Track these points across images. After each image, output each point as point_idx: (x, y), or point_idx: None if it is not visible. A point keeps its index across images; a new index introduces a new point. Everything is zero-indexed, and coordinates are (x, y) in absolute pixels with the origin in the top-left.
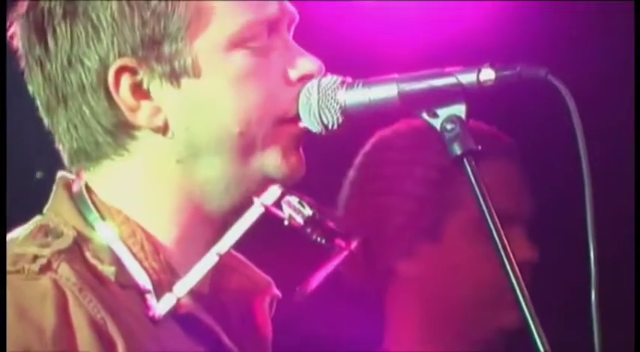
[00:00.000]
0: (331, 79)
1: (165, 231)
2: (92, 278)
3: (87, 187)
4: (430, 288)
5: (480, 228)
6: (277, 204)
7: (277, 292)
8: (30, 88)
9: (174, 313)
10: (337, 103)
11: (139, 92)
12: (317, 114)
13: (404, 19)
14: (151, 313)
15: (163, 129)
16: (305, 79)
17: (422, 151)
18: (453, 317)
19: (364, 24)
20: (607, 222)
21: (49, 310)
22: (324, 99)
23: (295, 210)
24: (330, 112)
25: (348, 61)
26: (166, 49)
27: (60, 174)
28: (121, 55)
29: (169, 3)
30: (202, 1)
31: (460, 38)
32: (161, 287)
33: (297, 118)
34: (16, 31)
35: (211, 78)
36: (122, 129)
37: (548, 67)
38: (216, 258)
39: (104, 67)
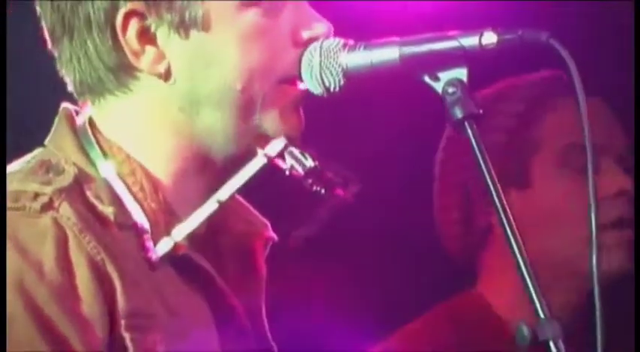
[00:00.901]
0: (333, 42)
1: (166, 172)
2: (92, 218)
3: (90, 122)
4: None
5: (565, 163)
6: (280, 154)
7: (273, 234)
8: (37, 10)
9: (170, 255)
10: (339, 65)
11: (145, 37)
12: (319, 76)
13: None
14: (148, 255)
15: (165, 76)
16: (314, 40)
17: (500, 102)
18: (547, 265)
19: None
20: None
21: (49, 248)
22: (326, 62)
23: (297, 161)
24: (331, 74)
25: (350, 24)
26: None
27: (63, 105)
28: None
29: None
30: None
31: (463, 3)
32: (158, 228)
33: (298, 79)
34: None
35: (220, 33)
36: (124, 70)
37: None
38: (216, 205)
39: (114, 7)
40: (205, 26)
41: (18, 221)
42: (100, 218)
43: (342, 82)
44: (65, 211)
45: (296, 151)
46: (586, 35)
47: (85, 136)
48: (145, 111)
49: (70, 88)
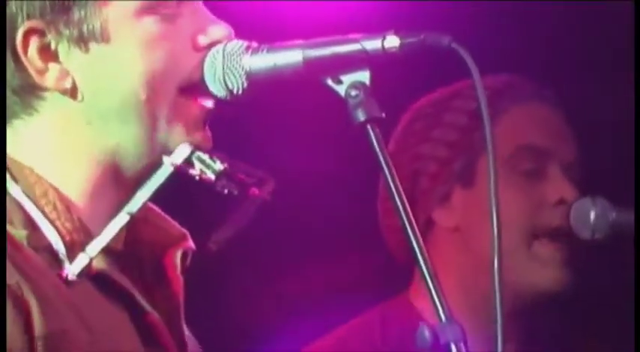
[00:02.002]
0: (236, 44)
1: (78, 191)
2: (7, 242)
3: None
4: (466, 238)
5: (508, 170)
6: (188, 160)
7: (192, 244)
8: None
9: (87, 273)
10: (242, 68)
11: (47, 54)
12: (222, 79)
13: None
14: (64, 274)
15: (71, 92)
16: (215, 44)
17: (451, 99)
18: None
19: None
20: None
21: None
22: (229, 64)
23: (206, 166)
24: (234, 77)
25: (254, 27)
26: (75, 13)
27: None
28: (29, 17)
29: None
30: None
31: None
32: (74, 248)
33: (201, 84)
34: None
35: (120, 43)
36: (29, 90)
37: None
38: (127, 217)
39: (13, 27)
40: (104, 38)
41: None
42: (14, 241)
43: (245, 85)
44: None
45: (204, 156)
46: (586, 35)
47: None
48: (53, 130)
49: None
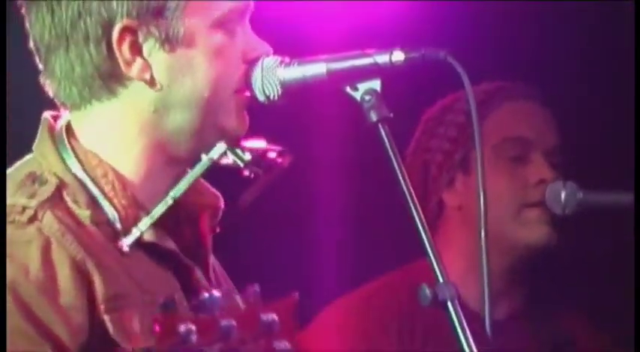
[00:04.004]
0: (272, 59)
1: (135, 171)
2: (72, 221)
3: (67, 129)
4: (467, 215)
5: (498, 156)
6: (222, 155)
7: (222, 204)
8: (31, 27)
9: (140, 243)
10: (277, 78)
11: (136, 49)
12: (261, 87)
13: (334, 10)
14: (119, 245)
15: (150, 83)
16: (258, 58)
17: (453, 103)
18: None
19: (303, 15)
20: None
21: (34, 253)
22: (266, 75)
23: (238, 157)
24: (271, 86)
25: (286, 45)
26: (165, 19)
27: (45, 114)
28: (127, 16)
29: None
30: None
31: (381, 25)
32: (128, 221)
33: (247, 89)
34: None
35: (195, 49)
36: (115, 77)
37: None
38: (171, 201)
39: (111, 23)
40: (184, 43)
41: (10, 232)
42: (79, 220)
43: (279, 92)
44: (48, 220)
45: (236, 150)
46: (585, 35)
47: (62, 144)
48: (123, 114)
49: (55, 94)
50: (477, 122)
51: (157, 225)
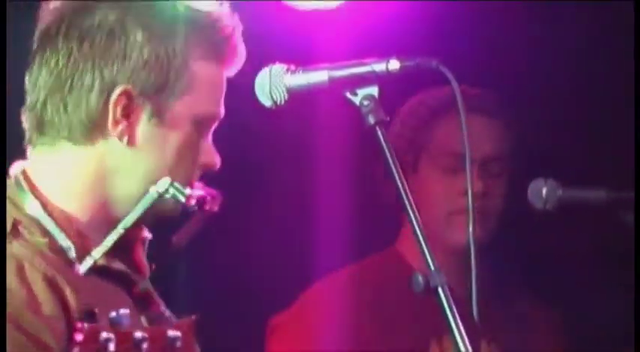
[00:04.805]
0: (280, 67)
1: (83, 211)
2: (34, 249)
3: (24, 174)
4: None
5: (435, 166)
6: (167, 189)
7: (148, 235)
8: (40, 57)
9: (94, 269)
10: (283, 85)
11: (126, 113)
12: (268, 93)
13: (336, 21)
14: (75, 270)
15: (127, 144)
16: (207, 166)
17: (409, 105)
18: (430, 223)
19: (308, 27)
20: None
21: (11, 275)
22: (274, 82)
23: (178, 191)
24: (278, 91)
25: (293, 54)
26: (160, 99)
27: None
28: (131, 83)
29: (178, 74)
30: (196, 81)
31: (379, 35)
32: (82, 250)
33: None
34: (55, 11)
35: (172, 132)
36: (99, 129)
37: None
38: (122, 231)
39: (114, 83)
40: (166, 123)
41: None
42: (39, 248)
43: (285, 97)
44: (16, 247)
45: (177, 185)
46: (586, 35)
47: (18, 184)
48: (88, 162)
49: (32, 123)
50: (465, 125)
51: (107, 252)
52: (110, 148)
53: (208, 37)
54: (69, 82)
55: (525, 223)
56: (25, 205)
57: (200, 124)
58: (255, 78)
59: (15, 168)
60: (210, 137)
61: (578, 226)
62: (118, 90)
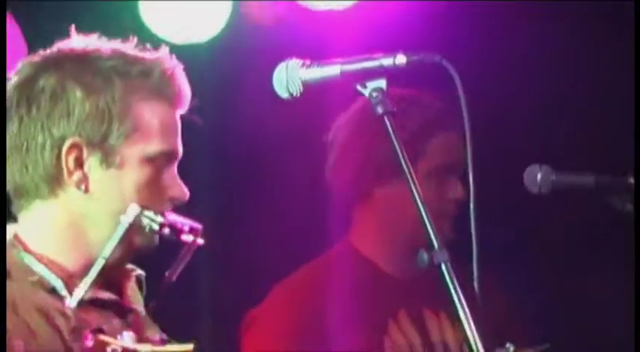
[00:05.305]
0: (295, 61)
1: (69, 257)
2: (26, 287)
3: (15, 236)
4: (393, 208)
5: (429, 177)
6: (138, 217)
7: (141, 273)
8: (6, 131)
9: (84, 302)
10: (299, 78)
11: (79, 163)
12: (285, 85)
13: (347, 20)
14: (66, 304)
15: (84, 191)
16: (174, 200)
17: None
18: (404, 229)
19: (322, 25)
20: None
21: (7, 310)
22: (290, 75)
23: (151, 220)
24: (294, 84)
25: (308, 51)
26: (108, 145)
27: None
28: (78, 135)
29: (120, 120)
30: (141, 123)
31: (387, 32)
32: (72, 286)
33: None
34: (10, 89)
35: (125, 173)
36: (58, 182)
37: None
38: (102, 261)
39: (63, 137)
40: (118, 167)
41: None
42: (33, 288)
43: (301, 89)
44: (8, 288)
45: (148, 213)
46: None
47: (12, 245)
48: (58, 213)
49: (12, 188)
50: (468, 124)
51: (94, 285)
52: (72, 198)
53: (146, 82)
54: (24, 144)
55: (521, 207)
56: (19, 259)
57: (154, 162)
58: (272, 72)
59: (9, 232)
60: (174, 171)
61: (571, 209)
62: (67, 144)
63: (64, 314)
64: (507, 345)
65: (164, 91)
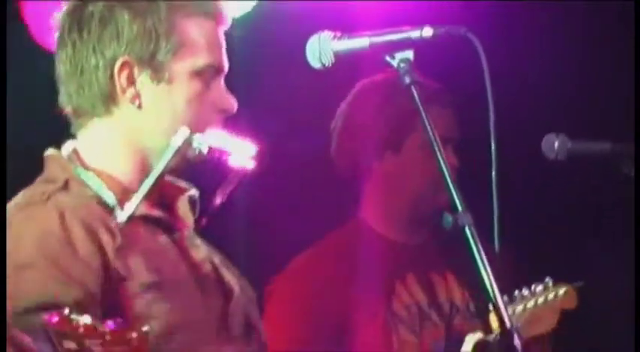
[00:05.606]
0: (328, 34)
1: (124, 171)
2: (80, 201)
3: (74, 152)
4: (392, 181)
5: (424, 149)
6: (189, 140)
7: (194, 192)
8: (57, 57)
9: (136, 218)
10: (331, 49)
11: (130, 80)
12: (318, 56)
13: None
14: (117, 220)
15: (138, 107)
16: (224, 112)
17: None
18: (405, 199)
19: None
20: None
21: (54, 219)
22: (322, 47)
23: (200, 143)
24: (326, 55)
25: (340, 25)
26: (157, 61)
27: (48, 153)
28: (128, 54)
29: (167, 38)
30: (187, 39)
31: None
32: (123, 202)
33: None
34: (61, 16)
35: (174, 88)
36: (112, 99)
37: None
38: (154, 177)
39: (115, 57)
40: (168, 81)
41: (36, 210)
42: (86, 201)
43: (333, 60)
44: (61, 198)
45: (198, 136)
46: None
47: (70, 159)
48: (114, 129)
49: (72, 110)
50: (491, 95)
51: (146, 201)
52: (126, 114)
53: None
54: (79, 67)
55: (538, 172)
56: (76, 174)
57: (202, 76)
58: (306, 44)
59: (67, 148)
60: (221, 84)
61: (586, 175)
62: (118, 63)
63: (111, 231)
64: (547, 280)
65: (206, 8)
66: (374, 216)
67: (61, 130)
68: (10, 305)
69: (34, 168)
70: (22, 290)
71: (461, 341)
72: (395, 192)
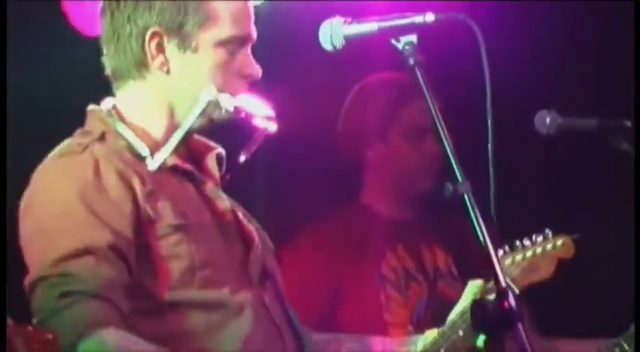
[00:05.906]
0: (339, 19)
1: (153, 126)
2: (114, 151)
3: (114, 107)
4: (388, 163)
5: (409, 137)
6: (215, 99)
7: (221, 151)
8: (101, 22)
9: (166, 168)
10: (342, 33)
11: (160, 48)
12: (330, 40)
13: None
14: (148, 167)
15: (167, 73)
16: (248, 77)
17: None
18: (399, 178)
19: None
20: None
21: (89, 167)
22: (334, 30)
23: (225, 100)
24: (337, 38)
25: (350, 10)
26: (185, 31)
27: (89, 107)
28: (159, 24)
29: (195, 11)
30: (213, 13)
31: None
32: (154, 152)
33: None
34: None
35: (201, 56)
36: (144, 65)
37: None
38: (183, 130)
39: (146, 27)
40: (194, 50)
41: (72, 159)
42: (119, 152)
43: (343, 43)
44: (96, 148)
45: (224, 95)
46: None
47: (109, 114)
48: (147, 92)
49: (111, 71)
50: (488, 76)
51: (176, 154)
52: (156, 79)
53: None
54: (116, 34)
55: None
56: (113, 127)
57: (227, 46)
58: (318, 29)
59: (106, 104)
60: (247, 52)
61: (576, 149)
62: (149, 32)
63: (142, 177)
64: (547, 231)
65: None
66: (371, 196)
67: (61, 131)
68: (42, 255)
69: (33, 168)
70: (58, 237)
71: (442, 301)
72: (387, 175)
